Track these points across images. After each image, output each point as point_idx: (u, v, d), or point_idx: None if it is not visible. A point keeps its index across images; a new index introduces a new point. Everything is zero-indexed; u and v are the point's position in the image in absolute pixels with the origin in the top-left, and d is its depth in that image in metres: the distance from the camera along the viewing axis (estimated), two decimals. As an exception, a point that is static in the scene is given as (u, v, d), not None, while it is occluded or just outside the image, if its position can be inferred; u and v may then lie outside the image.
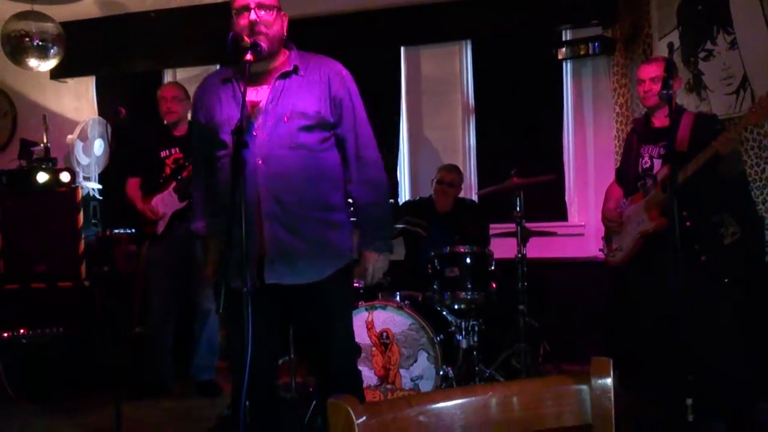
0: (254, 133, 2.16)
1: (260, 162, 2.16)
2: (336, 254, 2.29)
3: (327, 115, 2.25)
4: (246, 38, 2.16)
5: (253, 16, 2.17)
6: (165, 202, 3.97)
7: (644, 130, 3.22)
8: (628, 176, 3.27)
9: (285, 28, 2.29)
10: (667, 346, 2.54)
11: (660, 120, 3.14)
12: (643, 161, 3.17)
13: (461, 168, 5.00)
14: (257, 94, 2.21)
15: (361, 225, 2.37)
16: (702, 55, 3.98)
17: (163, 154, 4.03)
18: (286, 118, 2.19)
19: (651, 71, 3.10)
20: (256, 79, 2.20)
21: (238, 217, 2.01)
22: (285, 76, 2.24)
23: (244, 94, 2.10)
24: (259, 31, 2.17)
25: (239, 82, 2.20)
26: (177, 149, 4.02)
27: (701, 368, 2.73)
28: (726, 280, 3.07)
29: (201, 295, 4.02)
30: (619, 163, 3.59)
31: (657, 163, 3.11)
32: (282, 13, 2.28)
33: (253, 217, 2.15)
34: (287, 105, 2.20)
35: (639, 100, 4.26)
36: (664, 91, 2.61)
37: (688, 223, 2.93)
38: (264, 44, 2.17)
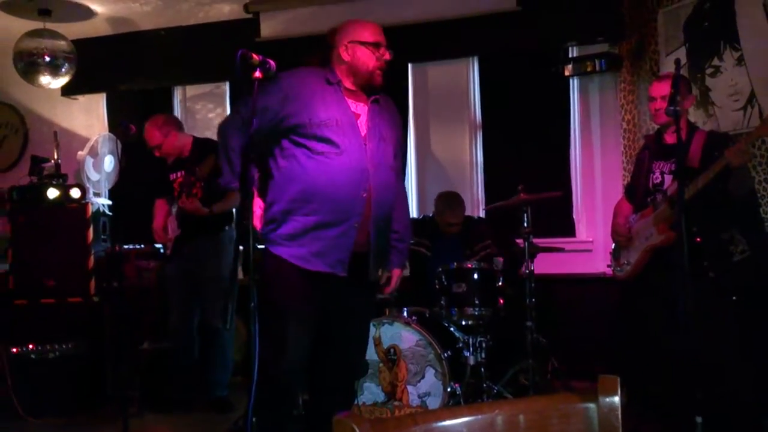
0: (366, 144, 2.42)
1: (372, 169, 2.42)
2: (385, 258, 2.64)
3: (397, 148, 2.59)
4: (255, 56, 2.20)
5: (387, 55, 2.47)
6: (172, 225, 4.02)
7: (656, 147, 3.22)
8: (639, 192, 3.26)
9: None
10: (676, 362, 2.52)
11: (672, 136, 3.13)
12: (654, 177, 3.17)
13: (468, 184, 5.01)
14: (357, 108, 2.47)
15: (396, 245, 2.65)
16: (709, 71, 3.99)
17: (172, 176, 4.06)
18: (383, 139, 2.49)
19: (662, 89, 3.08)
20: (351, 96, 2.49)
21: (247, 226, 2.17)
22: (376, 102, 2.52)
23: (253, 104, 2.17)
24: (383, 69, 2.48)
25: (341, 89, 2.46)
26: (183, 172, 4.02)
27: (709, 385, 2.71)
28: (734, 298, 3.05)
29: (210, 312, 4.02)
30: (629, 180, 3.59)
31: (668, 178, 3.11)
32: None
33: (354, 212, 2.39)
34: (382, 128, 2.50)
35: (649, 117, 4.27)
36: (672, 108, 2.61)
37: (697, 239, 2.92)
38: (380, 81, 2.47)
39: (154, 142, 4.01)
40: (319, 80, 2.45)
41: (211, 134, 5.63)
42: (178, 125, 4.10)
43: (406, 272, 4.34)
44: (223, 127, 2.54)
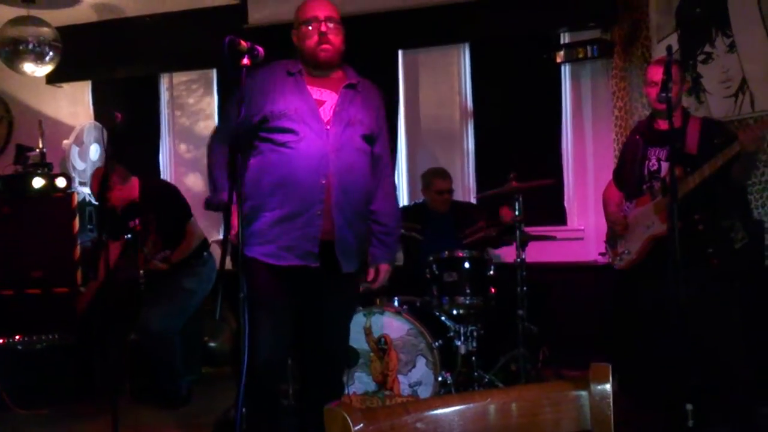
0: (327, 128, 2.36)
1: (333, 153, 2.35)
2: (363, 252, 2.56)
3: (375, 133, 2.51)
4: (243, 42, 2.17)
5: (323, 27, 2.37)
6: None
7: (649, 133, 3.14)
8: (632, 179, 3.19)
9: (343, 41, 2.47)
10: (673, 351, 2.50)
11: (666, 122, 3.03)
12: (650, 164, 3.09)
13: (460, 172, 5.00)
14: (321, 95, 2.42)
15: (382, 239, 2.59)
16: (701, 58, 3.98)
17: (131, 224, 3.99)
18: (352, 123, 2.42)
19: (661, 73, 3.01)
20: (317, 82, 2.43)
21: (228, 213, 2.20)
22: (351, 87, 2.46)
23: (241, 97, 2.14)
24: (328, 41, 2.38)
25: (303, 78, 2.41)
26: (139, 219, 3.95)
27: (709, 371, 2.71)
28: (737, 285, 3.00)
29: (157, 315, 3.92)
30: (616, 166, 3.56)
31: (665, 165, 3.03)
32: (342, 26, 2.46)
33: (315, 200, 2.34)
34: (353, 112, 2.43)
35: (641, 104, 4.26)
36: (663, 94, 2.59)
37: (700, 227, 2.89)
38: (327, 55, 2.39)
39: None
40: (280, 73, 2.42)
41: (198, 123, 5.60)
42: (121, 177, 3.91)
43: (399, 262, 4.38)
44: (210, 144, 2.55)
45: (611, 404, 1.04)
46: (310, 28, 2.38)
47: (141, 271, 4.04)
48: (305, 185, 2.33)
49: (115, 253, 4.07)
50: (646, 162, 3.11)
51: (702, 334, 2.77)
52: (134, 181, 4.00)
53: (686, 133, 2.98)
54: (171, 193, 4.07)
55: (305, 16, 2.41)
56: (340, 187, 2.36)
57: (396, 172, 5.15)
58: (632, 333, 3.29)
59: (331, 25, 2.38)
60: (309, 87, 2.41)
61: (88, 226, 4.66)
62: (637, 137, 3.23)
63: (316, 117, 2.36)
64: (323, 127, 2.36)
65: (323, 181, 2.34)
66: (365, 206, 2.52)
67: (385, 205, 2.58)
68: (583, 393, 1.05)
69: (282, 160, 2.34)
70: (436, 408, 1.02)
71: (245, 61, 2.18)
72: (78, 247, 4.47)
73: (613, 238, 3.30)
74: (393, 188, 2.66)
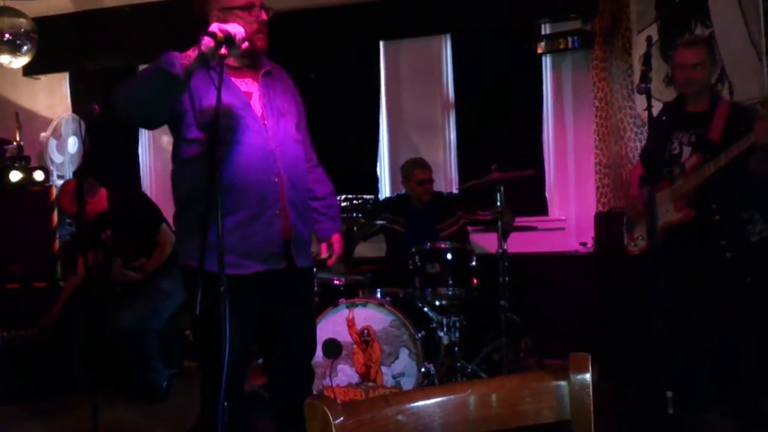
0: (264, 123, 2.25)
1: (277, 150, 2.25)
2: (311, 242, 2.48)
3: (299, 119, 2.42)
4: (219, 33, 2.12)
5: (263, 15, 2.26)
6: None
7: (677, 115, 3.04)
8: (654, 162, 3.07)
9: None
10: (682, 341, 2.46)
11: (695, 106, 2.99)
12: (672, 147, 3.00)
13: (442, 163, 5.01)
14: (246, 86, 2.29)
15: (325, 212, 2.56)
16: (680, 48, 3.99)
17: (103, 236, 3.97)
18: (282, 113, 2.31)
19: (691, 56, 2.93)
20: (239, 74, 2.28)
21: (214, 206, 2.02)
22: (267, 74, 2.34)
23: (219, 90, 2.08)
24: (264, 31, 2.26)
25: (222, 71, 2.19)
26: (109, 231, 3.94)
27: (713, 361, 2.70)
28: (749, 279, 2.92)
29: (131, 314, 3.90)
30: (644, 146, 3.43)
31: (687, 150, 2.96)
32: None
33: (271, 200, 2.23)
34: (279, 101, 2.32)
35: (623, 94, 4.27)
36: (643, 85, 2.58)
37: (716, 217, 2.84)
38: (263, 44, 2.26)
39: (70, 212, 3.97)
40: (200, 71, 2.12)
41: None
42: (90, 189, 3.88)
43: (382, 252, 4.38)
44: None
45: (591, 393, 1.04)
46: (249, 14, 2.21)
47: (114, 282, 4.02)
48: (259, 186, 2.19)
49: (71, 286, 4.11)
50: (669, 145, 3.01)
51: (711, 324, 2.76)
52: (102, 193, 3.98)
53: (712, 118, 2.90)
54: (139, 203, 4.06)
55: (238, 2, 2.21)
56: (290, 182, 2.27)
57: (379, 163, 5.17)
58: (629, 320, 3.23)
59: (264, 12, 2.25)
60: (234, 79, 2.25)
61: (67, 220, 4.61)
62: (663, 118, 3.10)
63: (251, 112, 2.24)
64: (260, 122, 2.24)
65: (275, 180, 2.22)
66: (309, 195, 2.47)
67: (318, 185, 2.53)
68: (563, 383, 1.05)
69: (224, 164, 2.14)
70: (417, 400, 1.01)
71: (223, 51, 2.13)
72: (57, 241, 4.43)
73: (630, 222, 3.22)
74: (322, 170, 2.58)
